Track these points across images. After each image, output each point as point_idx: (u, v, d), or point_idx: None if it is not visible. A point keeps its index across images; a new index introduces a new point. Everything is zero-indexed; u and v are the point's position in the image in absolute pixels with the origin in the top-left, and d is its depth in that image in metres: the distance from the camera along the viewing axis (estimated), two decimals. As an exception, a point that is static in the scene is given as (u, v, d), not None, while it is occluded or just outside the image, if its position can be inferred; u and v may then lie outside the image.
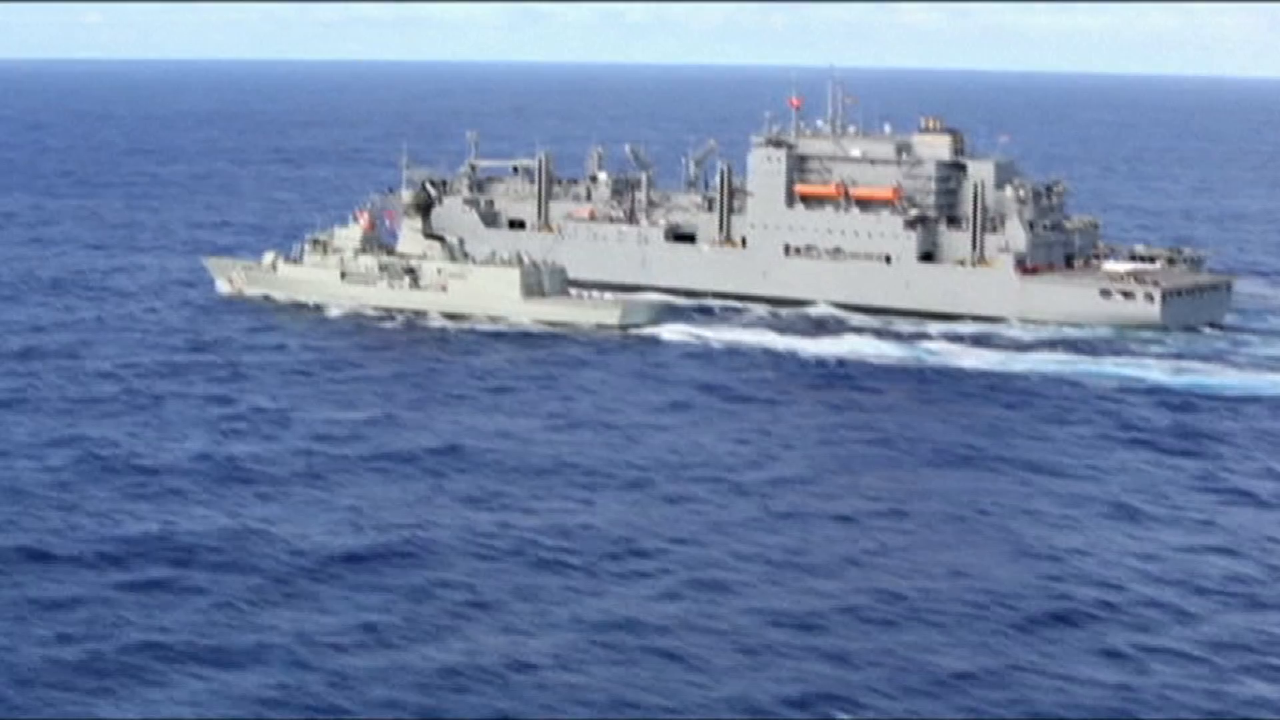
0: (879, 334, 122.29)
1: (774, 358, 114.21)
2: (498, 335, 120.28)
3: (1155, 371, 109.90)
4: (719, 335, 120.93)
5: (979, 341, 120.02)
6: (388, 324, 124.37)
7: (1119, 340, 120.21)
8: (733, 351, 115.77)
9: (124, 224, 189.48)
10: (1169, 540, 72.26)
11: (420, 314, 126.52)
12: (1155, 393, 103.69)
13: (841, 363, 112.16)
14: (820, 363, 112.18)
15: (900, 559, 68.35)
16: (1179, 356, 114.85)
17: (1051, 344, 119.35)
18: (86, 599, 62.24)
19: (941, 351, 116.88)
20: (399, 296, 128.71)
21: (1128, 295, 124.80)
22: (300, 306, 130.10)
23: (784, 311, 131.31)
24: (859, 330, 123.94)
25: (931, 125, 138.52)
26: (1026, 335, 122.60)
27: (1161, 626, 61.13)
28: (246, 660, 56.36)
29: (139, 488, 77.58)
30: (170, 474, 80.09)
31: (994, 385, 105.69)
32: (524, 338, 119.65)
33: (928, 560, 68.20)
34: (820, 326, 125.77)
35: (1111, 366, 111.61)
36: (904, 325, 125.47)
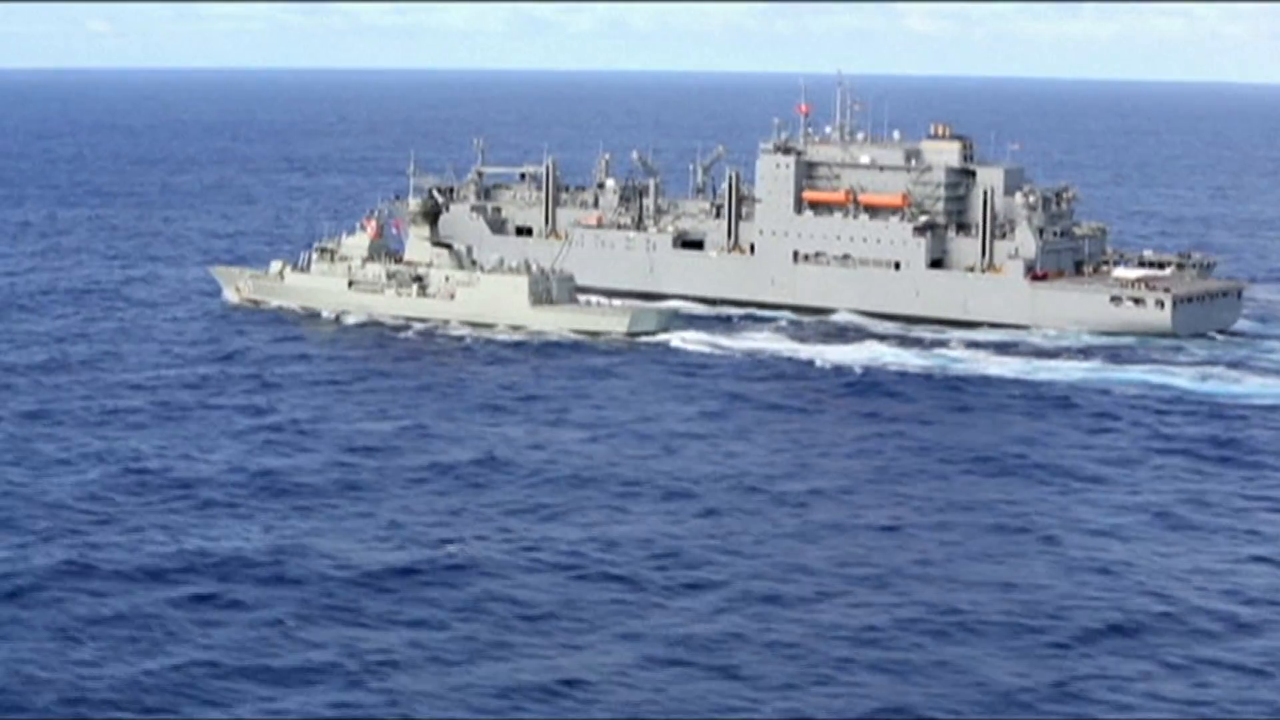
0: (900, 341, 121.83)
1: (798, 366, 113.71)
2: (519, 344, 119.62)
3: (1182, 379, 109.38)
4: (738, 344, 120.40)
5: (1001, 349, 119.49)
6: (408, 333, 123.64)
7: (1140, 347, 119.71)
8: (755, 360, 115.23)
9: (138, 234, 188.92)
10: (1215, 550, 71.77)
11: (428, 321, 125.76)
12: (1185, 400, 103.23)
13: (866, 370, 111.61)
14: (843, 370, 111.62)
15: (949, 570, 67.77)
16: (1204, 364, 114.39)
17: (1073, 351, 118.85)
18: (130, 615, 61.60)
19: (964, 359, 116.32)
20: (407, 304, 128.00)
21: (1138, 302, 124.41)
22: (317, 316, 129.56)
23: (802, 319, 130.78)
24: (880, 338, 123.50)
25: (940, 132, 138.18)
26: (1047, 343, 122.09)
27: (1217, 638, 60.59)
28: (299, 679, 55.71)
29: (176, 501, 76.95)
30: (206, 486, 79.47)
31: (1023, 393, 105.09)
32: (546, 347, 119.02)
33: (977, 572, 67.65)
34: (839, 334, 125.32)
35: (1138, 374, 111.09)
36: (922, 332, 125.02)
